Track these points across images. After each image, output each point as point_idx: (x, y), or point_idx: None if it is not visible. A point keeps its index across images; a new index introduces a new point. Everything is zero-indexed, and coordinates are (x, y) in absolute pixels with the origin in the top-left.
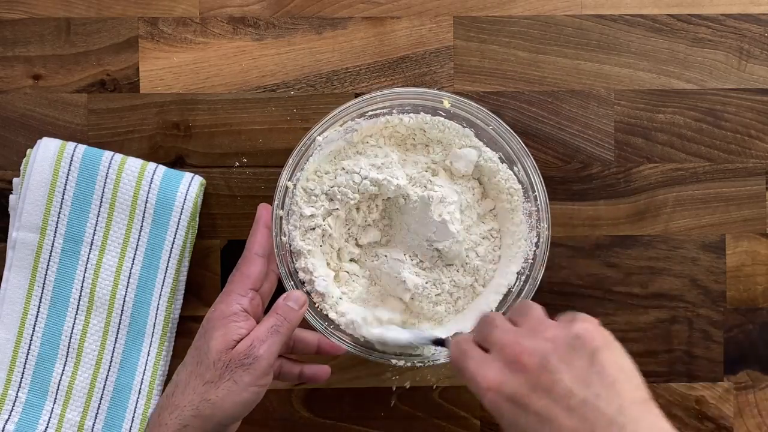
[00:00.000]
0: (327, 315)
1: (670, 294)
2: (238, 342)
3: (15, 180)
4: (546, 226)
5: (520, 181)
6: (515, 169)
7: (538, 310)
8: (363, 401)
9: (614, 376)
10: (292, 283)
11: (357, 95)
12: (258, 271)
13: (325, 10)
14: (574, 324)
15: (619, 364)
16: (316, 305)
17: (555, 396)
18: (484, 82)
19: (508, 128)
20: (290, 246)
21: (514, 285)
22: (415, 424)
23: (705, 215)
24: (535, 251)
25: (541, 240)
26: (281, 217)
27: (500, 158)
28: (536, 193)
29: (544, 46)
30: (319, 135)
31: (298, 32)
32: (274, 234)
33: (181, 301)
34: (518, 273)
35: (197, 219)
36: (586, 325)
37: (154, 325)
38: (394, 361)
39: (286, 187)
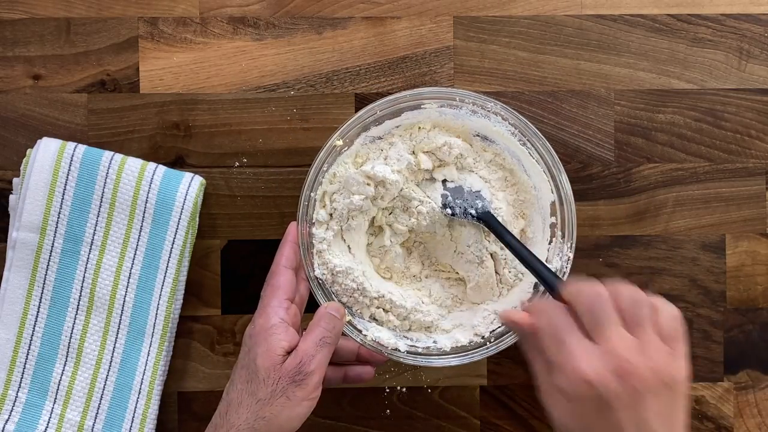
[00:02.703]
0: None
1: (670, 294)
2: (284, 355)
3: (15, 180)
4: (570, 245)
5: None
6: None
7: (651, 314)
8: (363, 401)
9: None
10: (321, 292)
11: (357, 95)
12: (288, 281)
13: (325, 10)
14: (678, 360)
15: (687, 421)
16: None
17: (641, 423)
18: (484, 82)
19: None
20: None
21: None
22: (415, 424)
23: (705, 215)
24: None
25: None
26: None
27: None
28: (564, 209)
29: (544, 46)
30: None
31: (298, 32)
32: (301, 246)
33: (181, 301)
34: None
35: (197, 219)
36: (684, 366)
37: (154, 325)
38: (439, 363)
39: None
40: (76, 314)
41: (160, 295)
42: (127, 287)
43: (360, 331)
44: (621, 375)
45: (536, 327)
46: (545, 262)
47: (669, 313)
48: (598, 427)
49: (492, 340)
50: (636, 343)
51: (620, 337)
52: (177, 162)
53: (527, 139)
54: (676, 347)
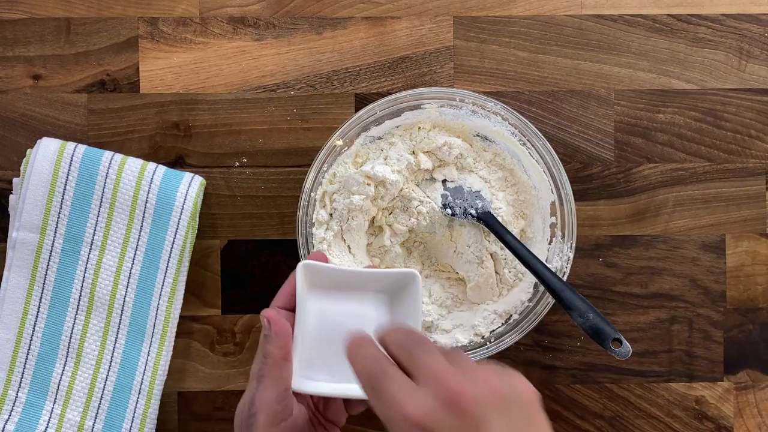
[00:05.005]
0: None
1: (670, 294)
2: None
3: (15, 180)
4: (570, 245)
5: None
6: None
7: (465, 355)
8: None
9: None
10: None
11: (357, 95)
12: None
13: (325, 10)
14: (512, 377)
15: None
16: None
17: None
18: (484, 82)
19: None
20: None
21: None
22: None
23: (705, 215)
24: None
25: (564, 256)
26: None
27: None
28: (564, 210)
29: (544, 46)
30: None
31: (298, 32)
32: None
33: (181, 301)
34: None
35: (197, 219)
36: (523, 380)
37: (154, 325)
38: None
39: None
40: (76, 314)
41: (160, 295)
42: (127, 287)
43: None
44: (453, 403)
45: (363, 374)
46: (545, 262)
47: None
48: None
49: (492, 340)
50: (457, 368)
51: (439, 363)
52: (177, 162)
53: (527, 139)
54: (501, 371)
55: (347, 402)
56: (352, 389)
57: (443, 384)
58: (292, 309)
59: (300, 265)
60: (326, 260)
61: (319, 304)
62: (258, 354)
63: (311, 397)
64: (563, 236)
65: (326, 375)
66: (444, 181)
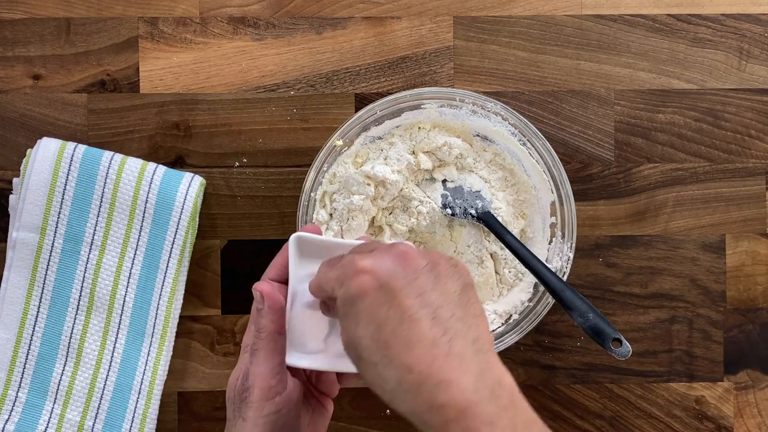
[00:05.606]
0: None
1: (670, 294)
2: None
3: (15, 180)
4: (570, 245)
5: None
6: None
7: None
8: (363, 401)
9: (479, 312)
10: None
11: (357, 95)
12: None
13: (325, 10)
14: (452, 259)
15: (481, 308)
16: None
17: (425, 301)
18: (484, 82)
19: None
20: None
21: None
22: None
23: (705, 215)
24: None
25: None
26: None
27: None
28: (564, 210)
29: (544, 46)
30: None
31: (298, 32)
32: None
33: (181, 301)
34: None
35: (197, 219)
36: (463, 265)
37: (154, 325)
38: None
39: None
40: (76, 314)
41: (160, 295)
42: (127, 287)
43: None
44: (402, 254)
45: (315, 290)
46: (545, 262)
47: None
48: (395, 311)
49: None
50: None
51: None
52: (177, 162)
53: (527, 139)
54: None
55: (340, 375)
56: (346, 364)
57: (392, 246)
58: (284, 281)
59: (292, 237)
60: (320, 232)
61: (312, 276)
62: (250, 326)
63: (304, 370)
64: (563, 236)
65: (320, 348)
66: (444, 181)
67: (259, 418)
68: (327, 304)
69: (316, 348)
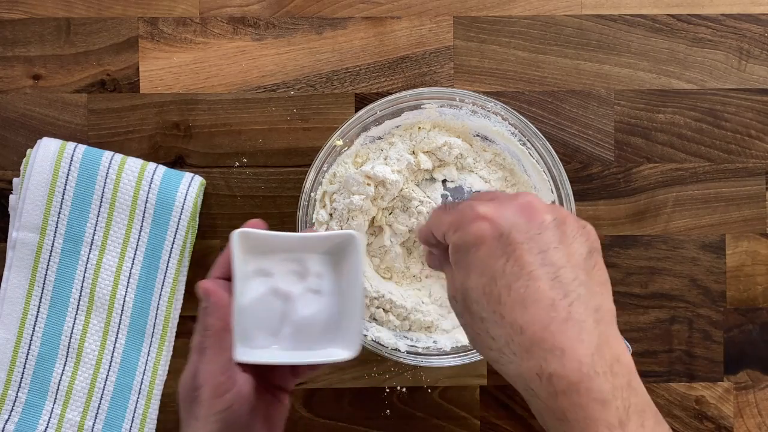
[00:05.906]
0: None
1: (670, 294)
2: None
3: (15, 180)
4: None
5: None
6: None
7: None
8: (363, 401)
9: (605, 281)
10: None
11: (357, 95)
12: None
13: (325, 10)
14: (581, 221)
15: (607, 276)
16: None
17: (547, 260)
18: (484, 82)
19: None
20: None
21: None
22: (415, 424)
23: (705, 215)
24: None
25: None
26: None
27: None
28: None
29: (544, 46)
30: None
31: (298, 32)
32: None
33: (181, 301)
34: None
35: (197, 219)
36: (592, 227)
37: (154, 325)
38: (439, 363)
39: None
40: (76, 314)
41: (160, 295)
42: (127, 287)
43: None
44: (527, 206)
45: (431, 231)
46: None
47: None
48: (513, 265)
49: None
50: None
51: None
52: (177, 162)
53: (527, 139)
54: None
55: (294, 368)
56: (295, 356)
57: (516, 196)
58: (230, 278)
59: (235, 232)
60: (264, 227)
61: (261, 270)
62: (198, 326)
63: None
64: None
65: (269, 342)
66: (444, 181)
67: (211, 416)
68: (433, 254)
69: (265, 342)
